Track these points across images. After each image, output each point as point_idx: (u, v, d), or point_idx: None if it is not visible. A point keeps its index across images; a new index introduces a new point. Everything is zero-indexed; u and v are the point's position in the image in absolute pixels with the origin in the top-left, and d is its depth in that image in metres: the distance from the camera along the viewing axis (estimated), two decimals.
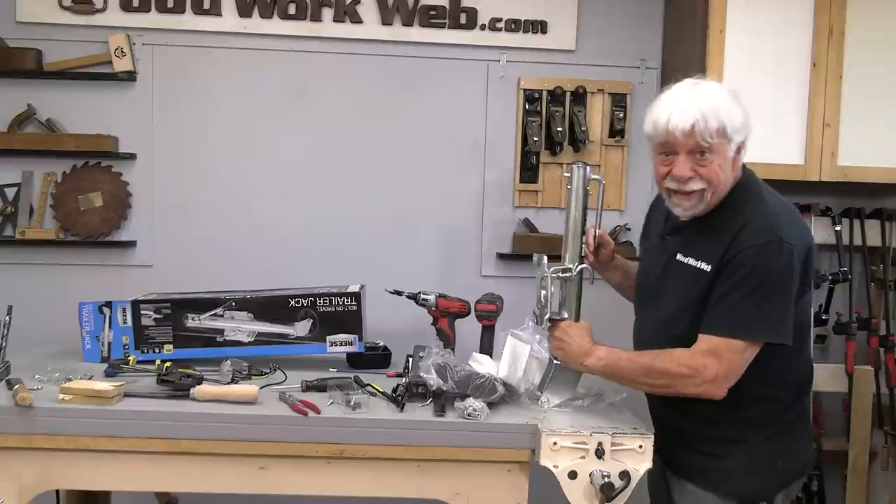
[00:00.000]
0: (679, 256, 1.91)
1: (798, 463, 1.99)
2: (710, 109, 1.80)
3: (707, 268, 1.84)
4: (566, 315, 2.03)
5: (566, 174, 2.09)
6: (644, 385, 1.92)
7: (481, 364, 2.27)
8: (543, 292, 2.04)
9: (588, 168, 2.08)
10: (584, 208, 2.06)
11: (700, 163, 1.83)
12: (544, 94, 3.14)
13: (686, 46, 3.00)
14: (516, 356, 2.22)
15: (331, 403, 2.03)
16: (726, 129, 1.80)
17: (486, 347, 2.52)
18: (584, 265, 2.05)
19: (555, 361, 2.05)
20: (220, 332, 2.45)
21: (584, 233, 2.07)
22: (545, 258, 2.07)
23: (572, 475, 1.88)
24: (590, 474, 1.87)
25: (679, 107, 1.82)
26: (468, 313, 2.61)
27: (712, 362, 1.79)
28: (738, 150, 1.85)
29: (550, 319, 2.03)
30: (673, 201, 1.90)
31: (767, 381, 1.87)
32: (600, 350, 1.95)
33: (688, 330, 1.86)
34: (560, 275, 2.03)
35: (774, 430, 1.92)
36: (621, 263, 2.26)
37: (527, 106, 3.14)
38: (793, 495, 2.05)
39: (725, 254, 1.81)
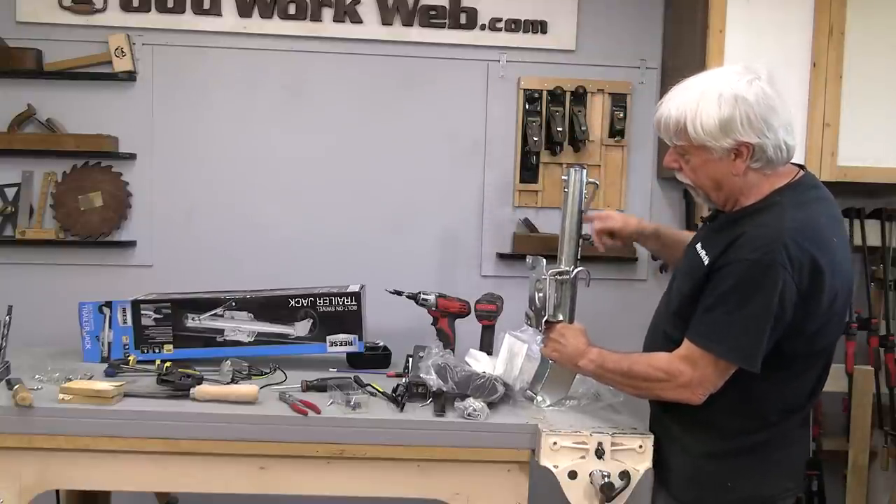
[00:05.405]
0: (698, 245, 1.84)
1: (763, 492, 1.80)
2: (675, 108, 1.73)
3: (706, 260, 1.76)
4: (561, 317, 2.03)
5: (563, 177, 2.08)
6: (626, 388, 1.88)
7: (478, 361, 2.28)
8: (539, 294, 2.04)
9: (585, 171, 2.07)
10: (580, 211, 2.06)
11: (682, 159, 1.80)
12: (544, 94, 3.14)
13: (686, 46, 3.00)
14: (513, 355, 2.22)
15: (331, 403, 2.04)
16: (688, 132, 1.70)
17: (486, 347, 2.53)
18: (580, 268, 2.04)
19: (550, 361, 2.05)
20: (220, 332, 2.45)
21: (580, 235, 2.05)
22: (543, 261, 2.07)
23: (572, 475, 1.88)
24: (590, 474, 1.87)
25: (663, 100, 1.79)
26: (468, 313, 2.62)
27: (687, 369, 1.73)
28: (738, 154, 1.70)
29: (547, 322, 2.02)
30: None
31: (742, 397, 1.75)
32: (592, 352, 1.93)
33: (678, 329, 1.82)
34: (557, 277, 2.03)
35: (732, 446, 1.79)
36: (651, 233, 2.18)
37: (527, 106, 3.14)
38: None
39: (721, 255, 1.72)
